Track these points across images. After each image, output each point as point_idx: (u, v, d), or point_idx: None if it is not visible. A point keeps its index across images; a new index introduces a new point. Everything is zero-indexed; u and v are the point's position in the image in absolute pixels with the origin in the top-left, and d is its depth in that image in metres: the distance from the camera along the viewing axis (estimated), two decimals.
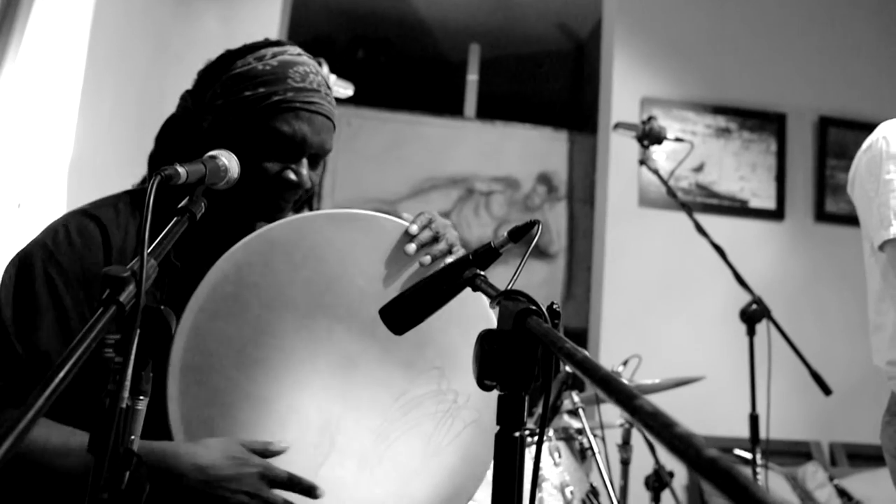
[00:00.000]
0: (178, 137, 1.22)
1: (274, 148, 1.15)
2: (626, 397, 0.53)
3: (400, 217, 1.18)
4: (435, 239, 1.17)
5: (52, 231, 1.13)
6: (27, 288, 1.08)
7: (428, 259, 1.15)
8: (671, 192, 2.60)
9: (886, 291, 1.67)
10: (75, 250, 1.11)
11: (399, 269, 1.15)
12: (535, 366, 0.75)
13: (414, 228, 1.15)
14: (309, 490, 1.08)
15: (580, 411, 2.20)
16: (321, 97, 1.18)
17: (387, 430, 1.15)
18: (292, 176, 1.17)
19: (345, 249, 1.14)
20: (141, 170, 1.34)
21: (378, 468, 1.14)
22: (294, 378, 1.11)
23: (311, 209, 1.35)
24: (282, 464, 1.09)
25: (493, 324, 1.16)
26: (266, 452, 1.07)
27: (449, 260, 1.17)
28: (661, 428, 0.47)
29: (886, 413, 1.69)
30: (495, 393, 0.77)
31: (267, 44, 1.21)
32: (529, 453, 1.80)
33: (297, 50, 1.22)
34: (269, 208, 1.19)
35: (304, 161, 1.18)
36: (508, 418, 0.75)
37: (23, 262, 1.10)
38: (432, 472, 1.17)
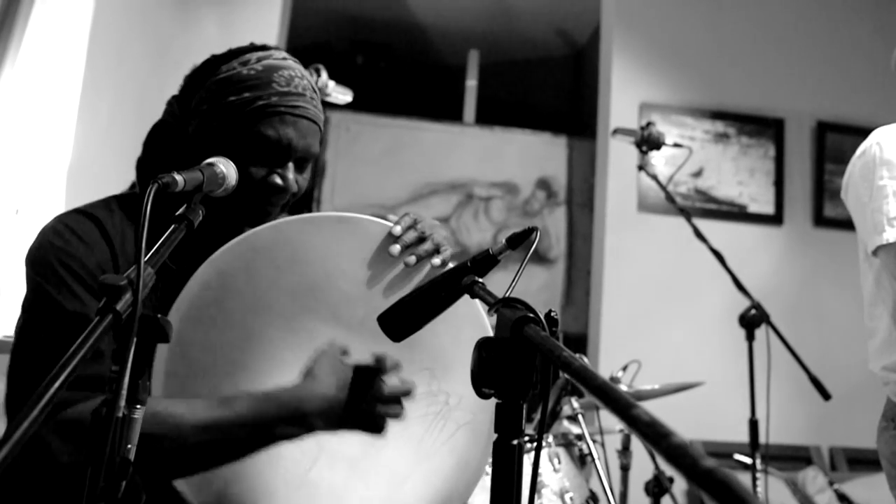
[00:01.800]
0: (165, 143, 1.21)
1: (259, 153, 1.15)
2: (623, 406, 0.52)
3: (386, 219, 1.17)
4: (421, 240, 1.15)
5: (53, 231, 1.11)
6: (52, 274, 1.07)
7: (413, 259, 1.14)
8: (670, 197, 2.60)
9: (879, 296, 1.68)
10: (85, 245, 1.10)
11: (383, 271, 1.14)
12: (532, 374, 0.75)
13: (398, 230, 1.14)
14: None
15: (580, 417, 2.20)
16: (306, 101, 1.18)
17: None
18: (278, 180, 1.16)
19: (328, 252, 1.12)
20: None
21: (369, 472, 1.12)
22: (279, 383, 1.09)
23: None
24: (269, 469, 1.08)
25: (483, 324, 1.17)
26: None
27: (436, 260, 1.15)
28: (657, 438, 0.47)
29: (882, 419, 1.69)
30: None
31: (252, 48, 1.20)
32: (528, 459, 1.79)
33: (283, 54, 1.21)
34: (257, 213, 1.18)
35: (291, 165, 1.18)
36: (506, 426, 0.75)
37: (37, 259, 1.09)
38: (424, 475, 1.15)
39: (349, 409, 1.07)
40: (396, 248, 1.13)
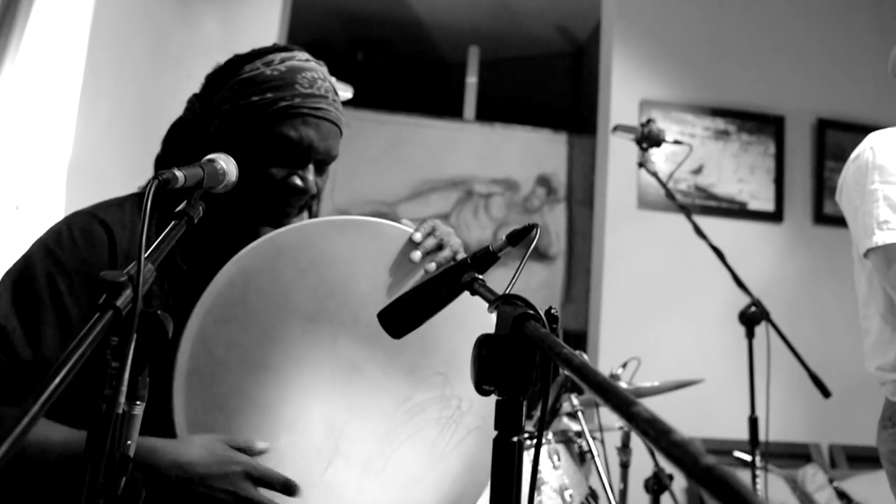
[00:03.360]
0: (185, 141, 1.22)
1: (281, 153, 1.15)
2: (623, 403, 0.52)
3: (402, 224, 1.19)
4: (439, 246, 1.18)
5: (56, 232, 1.12)
6: (29, 290, 1.07)
7: (433, 266, 1.16)
8: (670, 194, 2.60)
9: (871, 297, 1.71)
10: (78, 250, 1.10)
11: (404, 277, 1.16)
12: (533, 370, 0.75)
13: (418, 236, 1.16)
14: (291, 489, 1.06)
15: (579, 414, 2.20)
16: (328, 103, 1.18)
17: (391, 435, 1.15)
18: (298, 182, 1.17)
19: (350, 256, 1.14)
20: (140, 171, 1.33)
21: (382, 473, 1.15)
22: (299, 383, 1.12)
23: (310, 211, 1.35)
24: (286, 468, 1.09)
25: None
26: (249, 451, 1.05)
27: None
28: (657, 435, 0.47)
29: (881, 418, 1.70)
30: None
31: (275, 49, 1.21)
32: (528, 456, 1.79)
33: (306, 56, 1.22)
34: (275, 214, 1.19)
35: (311, 167, 1.19)
36: (506, 423, 0.75)
37: (25, 263, 1.09)
38: (436, 477, 1.17)
39: (198, 484, 1.01)
40: (417, 255, 1.15)
